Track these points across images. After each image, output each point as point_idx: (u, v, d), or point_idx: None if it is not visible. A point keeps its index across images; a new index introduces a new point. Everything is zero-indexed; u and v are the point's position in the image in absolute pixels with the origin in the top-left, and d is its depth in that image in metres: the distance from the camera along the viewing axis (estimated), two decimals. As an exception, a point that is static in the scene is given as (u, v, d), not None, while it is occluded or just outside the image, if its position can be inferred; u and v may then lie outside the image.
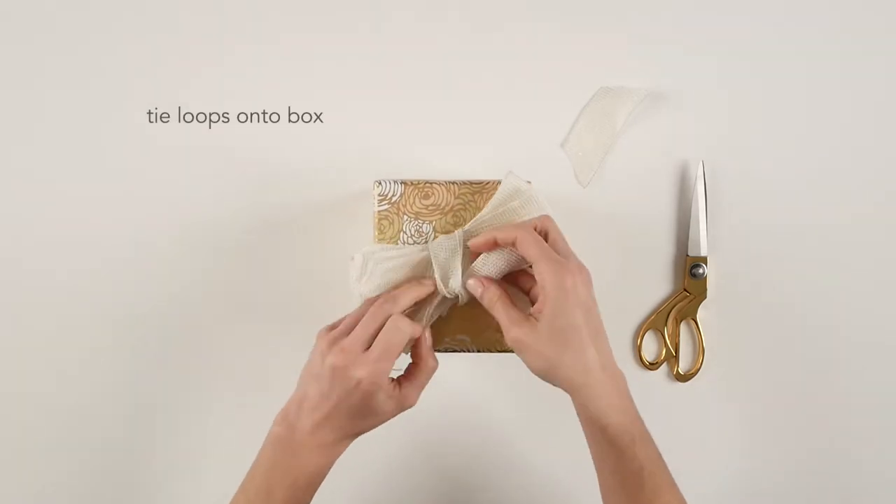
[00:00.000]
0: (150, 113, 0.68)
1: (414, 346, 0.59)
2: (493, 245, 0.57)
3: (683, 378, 0.69)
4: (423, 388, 0.58)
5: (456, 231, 0.60)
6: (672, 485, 0.55)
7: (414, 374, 0.58)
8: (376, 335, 0.55)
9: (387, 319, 0.56)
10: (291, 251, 0.68)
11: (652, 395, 0.69)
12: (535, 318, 0.54)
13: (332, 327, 0.58)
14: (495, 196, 0.60)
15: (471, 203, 0.61)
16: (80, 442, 0.69)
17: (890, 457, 0.69)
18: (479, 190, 0.61)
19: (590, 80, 0.68)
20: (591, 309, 0.54)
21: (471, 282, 0.58)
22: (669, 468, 0.55)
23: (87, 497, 0.70)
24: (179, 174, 0.68)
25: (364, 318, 0.56)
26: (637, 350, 0.69)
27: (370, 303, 0.58)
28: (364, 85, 0.68)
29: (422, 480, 0.70)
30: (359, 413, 0.56)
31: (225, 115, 0.68)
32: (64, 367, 0.69)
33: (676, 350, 0.69)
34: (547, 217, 0.57)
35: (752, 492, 0.70)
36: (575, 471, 0.66)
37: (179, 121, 0.68)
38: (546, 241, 0.55)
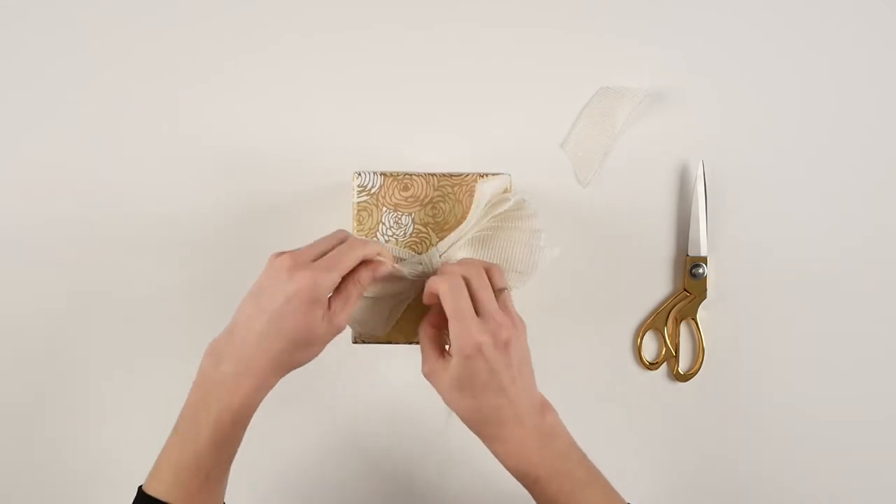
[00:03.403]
0: (129, 104, 0.68)
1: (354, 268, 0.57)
2: (433, 298, 0.57)
3: (683, 378, 0.69)
4: (350, 307, 0.56)
5: (432, 249, 0.61)
6: None
7: (342, 290, 0.56)
8: (325, 252, 0.55)
9: (354, 253, 0.55)
10: (271, 242, 0.68)
11: (652, 395, 0.69)
12: (447, 362, 0.55)
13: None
14: (475, 207, 0.60)
15: (450, 195, 0.62)
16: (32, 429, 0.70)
17: (891, 454, 0.69)
18: (459, 182, 0.62)
19: (590, 81, 0.68)
20: (499, 371, 0.53)
21: (424, 298, 0.58)
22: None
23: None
24: (158, 165, 0.69)
25: (318, 239, 0.56)
26: (637, 350, 0.69)
27: (335, 235, 0.57)
28: (364, 85, 0.68)
29: (382, 475, 0.70)
30: (293, 332, 0.53)
31: (206, 106, 0.68)
32: (38, 356, 0.69)
33: (676, 350, 0.69)
34: (469, 264, 0.57)
35: (752, 491, 0.70)
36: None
37: (160, 112, 0.68)
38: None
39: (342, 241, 0.56)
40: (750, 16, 0.68)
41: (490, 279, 0.56)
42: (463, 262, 0.57)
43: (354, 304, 0.56)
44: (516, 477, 0.55)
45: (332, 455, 0.70)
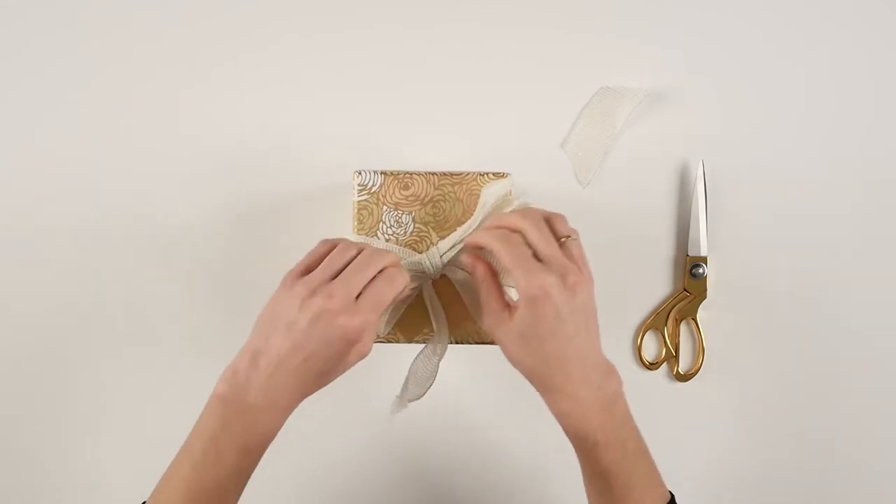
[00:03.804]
0: (129, 104, 0.68)
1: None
2: (478, 249, 0.56)
3: (683, 378, 0.69)
4: (374, 334, 0.54)
5: (434, 247, 0.60)
6: (647, 482, 0.55)
7: None
8: (364, 283, 0.53)
9: (376, 269, 0.53)
10: (271, 242, 0.68)
11: (652, 395, 0.69)
12: (511, 313, 0.53)
13: (304, 272, 0.54)
14: (480, 209, 0.60)
15: (450, 194, 0.62)
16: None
17: (891, 455, 0.69)
18: (460, 181, 0.62)
19: (590, 81, 0.68)
20: (566, 317, 0.52)
21: (465, 257, 0.57)
22: (663, 465, 0.55)
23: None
24: (158, 165, 0.69)
25: (354, 265, 0.53)
26: (637, 350, 0.69)
27: (343, 248, 0.55)
28: (364, 85, 0.68)
29: (398, 470, 0.70)
30: (327, 367, 0.53)
31: (206, 106, 0.68)
32: (30, 361, 0.69)
33: (676, 350, 0.69)
34: (525, 215, 0.55)
35: (751, 491, 0.70)
36: (555, 460, 0.68)
37: (160, 112, 0.68)
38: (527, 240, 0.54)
39: (358, 252, 0.54)
40: (750, 16, 0.68)
41: (552, 228, 0.54)
42: (520, 212, 0.55)
43: (377, 330, 0.55)
44: (573, 439, 0.54)
45: (351, 456, 0.70)
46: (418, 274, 0.60)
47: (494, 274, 0.56)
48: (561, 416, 0.54)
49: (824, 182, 0.68)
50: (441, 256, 0.60)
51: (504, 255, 0.52)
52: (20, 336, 0.69)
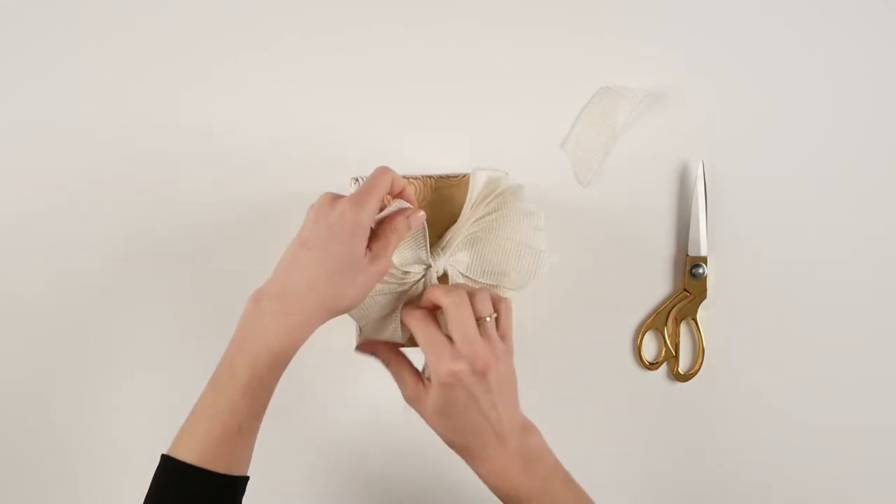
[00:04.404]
0: (129, 104, 0.68)
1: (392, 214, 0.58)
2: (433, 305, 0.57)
3: (683, 378, 0.69)
4: (390, 251, 0.56)
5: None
6: None
7: (380, 234, 0.56)
8: None
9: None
10: (270, 242, 0.68)
11: (652, 395, 0.69)
12: (426, 388, 0.55)
13: None
14: (471, 192, 0.60)
15: (448, 197, 0.62)
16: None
17: (891, 455, 0.69)
18: (457, 184, 0.62)
19: (590, 80, 0.68)
20: (478, 396, 0.53)
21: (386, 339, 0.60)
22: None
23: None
24: (157, 165, 0.68)
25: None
26: (637, 350, 0.69)
27: None
28: (364, 85, 0.69)
29: (377, 484, 0.70)
30: (336, 259, 0.53)
31: (206, 107, 0.68)
32: (38, 357, 0.69)
33: (676, 350, 0.69)
34: (448, 291, 0.56)
35: (751, 491, 0.70)
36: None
37: (160, 112, 0.69)
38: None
39: None
40: (750, 16, 0.68)
41: (473, 306, 0.55)
42: (445, 289, 0.56)
43: (393, 249, 0.56)
44: (500, 498, 0.55)
45: (326, 464, 0.70)
46: (422, 268, 0.60)
47: (398, 352, 0.58)
48: (484, 479, 0.55)
49: (824, 182, 0.68)
50: (441, 248, 0.60)
51: (418, 335, 0.54)
52: (24, 329, 0.69)
